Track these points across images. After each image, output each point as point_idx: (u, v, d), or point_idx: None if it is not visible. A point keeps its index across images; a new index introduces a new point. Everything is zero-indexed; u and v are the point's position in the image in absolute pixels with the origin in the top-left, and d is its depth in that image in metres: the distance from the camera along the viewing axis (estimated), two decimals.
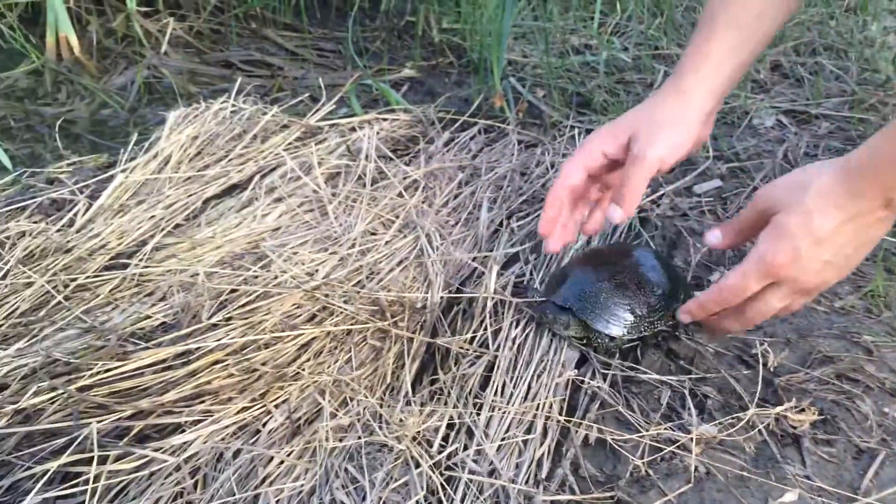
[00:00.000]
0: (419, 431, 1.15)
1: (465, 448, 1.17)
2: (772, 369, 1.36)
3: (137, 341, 1.32)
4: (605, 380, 1.33)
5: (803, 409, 1.31)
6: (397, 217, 1.64)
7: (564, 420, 1.23)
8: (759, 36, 1.26)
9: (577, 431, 1.23)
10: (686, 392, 1.32)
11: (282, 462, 1.10)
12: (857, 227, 1.08)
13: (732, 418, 1.26)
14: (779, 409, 1.27)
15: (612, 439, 1.21)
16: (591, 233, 1.41)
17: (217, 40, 2.73)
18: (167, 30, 2.64)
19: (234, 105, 1.96)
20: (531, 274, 1.54)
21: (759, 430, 1.24)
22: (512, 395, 1.26)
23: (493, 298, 1.43)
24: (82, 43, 2.53)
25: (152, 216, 1.65)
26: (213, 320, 1.36)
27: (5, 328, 1.37)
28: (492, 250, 1.63)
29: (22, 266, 1.48)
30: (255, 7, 2.78)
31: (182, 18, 2.75)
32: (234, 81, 2.34)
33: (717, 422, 1.27)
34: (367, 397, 1.22)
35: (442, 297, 1.46)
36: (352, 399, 1.22)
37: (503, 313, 1.42)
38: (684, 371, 1.38)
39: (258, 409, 1.19)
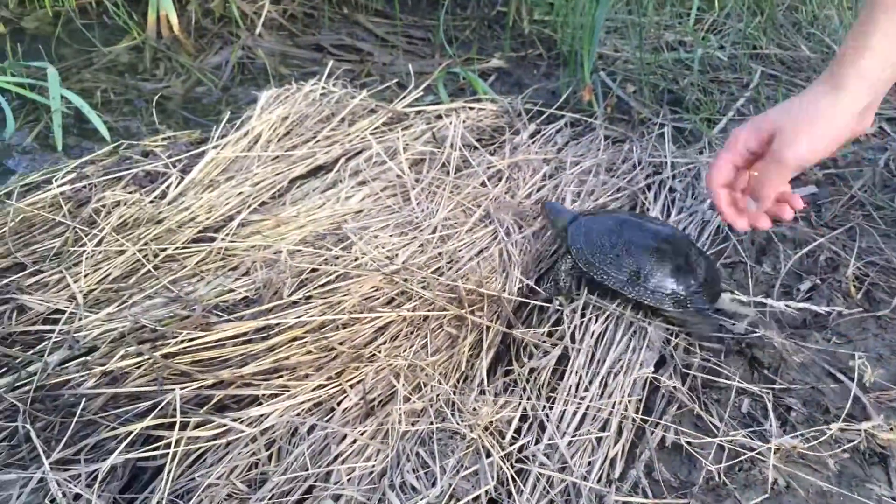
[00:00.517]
0: (492, 421, 1.14)
1: (537, 441, 1.15)
2: (867, 385, 1.31)
3: (220, 313, 1.36)
4: (683, 382, 1.30)
5: (892, 429, 1.25)
6: (479, 206, 1.63)
7: (640, 419, 1.20)
8: None
9: (652, 433, 1.20)
10: (768, 401, 1.28)
11: (354, 441, 1.11)
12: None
13: (816, 431, 1.21)
14: (867, 425, 1.22)
15: (688, 442, 1.17)
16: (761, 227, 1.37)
17: (309, 24, 2.76)
18: (262, 12, 2.69)
19: (323, 88, 1.98)
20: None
21: (845, 447, 1.19)
22: (587, 390, 1.24)
23: (565, 300, 1.41)
24: (181, 22, 2.60)
25: (240, 193, 1.68)
26: (294, 297, 1.39)
27: (97, 293, 1.42)
28: None
29: (115, 234, 1.53)
30: None
31: (277, 1, 2.79)
32: (325, 65, 2.37)
33: (799, 434, 1.22)
34: (441, 383, 1.22)
35: (519, 288, 1.44)
36: (426, 384, 1.23)
37: (579, 307, 1.40)
38: (768, 380, 1.34)
39: (334, 387, 1.20)
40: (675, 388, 1.27)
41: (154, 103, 2.16)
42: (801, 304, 1.48)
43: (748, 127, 1.20)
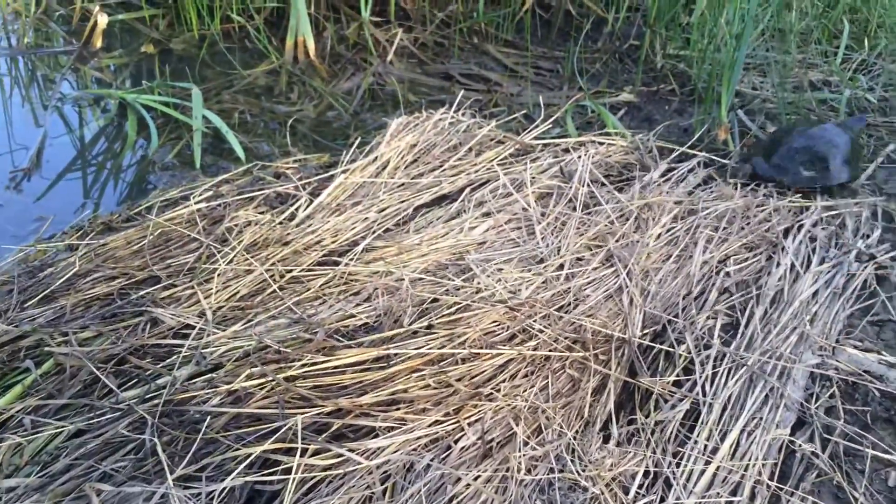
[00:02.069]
0: (615, 475, 1.08)
1: (662, 500, 1.09)
2: None
3: (341, 339, 1.36)
4: (824, 448, 1.20)
5: None
6: (605, 246, 1.58)
7: (776, 486, 1.11)
8: None
9: (788, 501, 1.11)
10: None
11: (470, 484, 1.08)
12: None
13: None
14: None
15: None
16: None
17: (439, 52, 2.79)
18: (395, 40, 2.74)
19: (452, 117, 1.99)
20: (745, 324, 1.43)
21: None
22: (717, 449, 1.17)
23: (700, 342, 1.34)
24: (317, 48, 2.68)
25: (366, 218, 1.70)
26: (414, 327, 1.37)
27: (225, 310, 1.46)
28: (703, 293, 1.53)
29: (245, 253, 1.57)
30: (480, 22, 2.82)
31: (409, 30, 2.84)
32: (453, 93, 2.39)
33: None
34: (562, 428, 1.18)
35: (644, 334, 1.38)
36: (546, 428, 1.18)
37: (710, 358, 1.33)
38: None
39: (451, 424, 1.18)
40: (814, 453, 1.18)
41: (287, 126, 2.22)
42: None
43: None
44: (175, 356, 1.31)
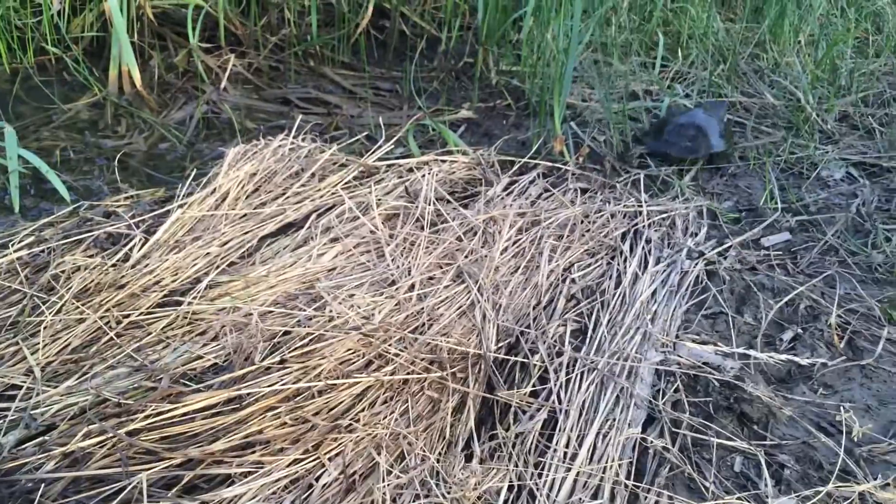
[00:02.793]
0: (480, 493, 1.08)
1: None
2: (856, 439, 1.28)
3: (188, 382, 1.29)
4: (673, 441, 1.26)
5: (889, 484, 1.22)
6: (455, 263, 1.59)
7: (633, 485, 1.15)
8: None
9: (645, 498, 1.15)
10: (761, 459, 1.24)
11: None
12: None
13: (812, 492, 1.17)
14: (863, 486, 1.18)
15: None
16: None
17: (275, 77, 2.74)
18: (227, 66, 2.66)
19: (292, 143, 1.94)
20: (593, 328, 1.48)
21: None
22: (576, 455, 1.19)
23: (553, 350, 1.37)
24: (143, 77, 2.55)
25: (207, 253, 1.62)
26: (266, 363, 1.32)
27: (56, 364, 1.35)
28: (551, 302, 1.57)
29: (76, 301, 1.46)
30: (315, 45, 2.79)
31: (242, 55, 2.77)
32: (291, 118, 2.35)
33: (795, 495, 1.18)
34: (424, 451, 1.17)
35: (499, 348, 1.40)
36: (409, 453, 1.17)
37: (563, 365, 1.36)
38: (758, 436, 1.30)
39: (311, 461, 1.14)
40: (665, 448, 1.23)
41: (116, 161, 2.10)
42: (785, 356, 1.46)
43: None
44: (1, 421, 1.19)
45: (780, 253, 1.80)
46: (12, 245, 1.61)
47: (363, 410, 1.24)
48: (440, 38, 2.94)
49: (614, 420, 1.26)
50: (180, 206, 1.77)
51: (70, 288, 1.49)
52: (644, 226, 1.82)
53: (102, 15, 2.56)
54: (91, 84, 2.53)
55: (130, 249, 1.63)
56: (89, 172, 2.12)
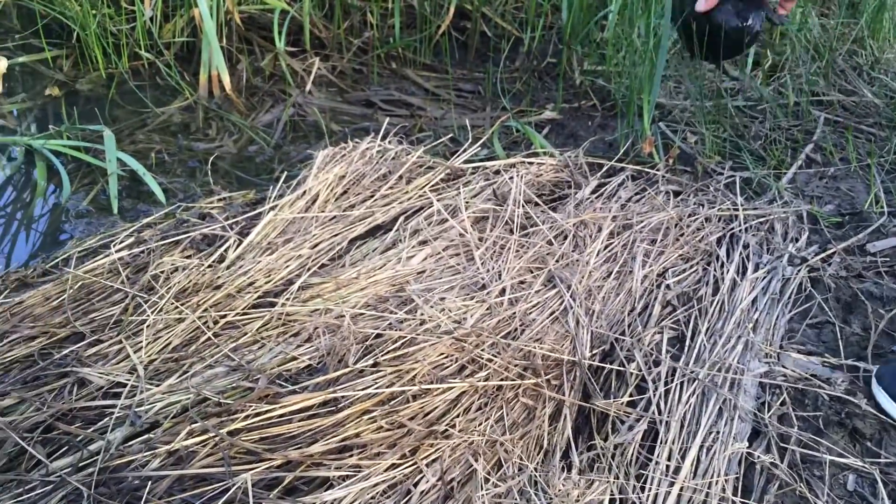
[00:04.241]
0: None
1: None
2: None
3: (284, 383, 1.30)
4: (782, 458, 1.20)
5: None
6: (546, 267, 1.57)
7: (741, 502, 1.11)
8: None
9: None
10: (877, 477, 1.18)
11: None
12: None
13: None
14: None
15: None
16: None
17: (358, 80, 2.76)
18: (312, 69, 2.69)
19: (379, 145, 1.95)
20: (691, 337, 1.44)
21: None
22: (679, 468, 1.15)
23: (649, 358, 1.33)
24: (232, 81, 2.60)
25: (299, 255, 1.64)
26: (360, 365, 1.33)
27: (158, 363, 1.38)
28: (646, 308, 1.53)
29: (175, 301, 1.49)
30: (397, 48, 2.80)
31: (326, 58, 2.80)
32: (375, 120, 2.36)
33: None
34: (522, 460, 1.15)
35: (593, 355, 1.37)
36: (505, 461, 1.15)
37: (661, 374, 1.32)
38: (872, 453, 1.24)
39: (408, 466, 1.13)
40: (773, 464, 1.18)
41: (209, 164, 2.14)
42: None
43: None
44: (107, 418, 1.23)
45: (888, 259, 1.71)
46: (114, 246, 1.65)
47: (458, 416, 1.23)
48: (522, 39, 2.91)
49: (718, 433, 1.21)
50: (271, 208, 1.79)
51: (169, 288, 1.53)
52: (741, 230, 1.75)
53: (192, 21, 2.62)
54: (182, 88, 2.59)
55: (225, 251, 1.66)
56: (183, 175, 2.17)
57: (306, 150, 2.31)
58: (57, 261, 1.67)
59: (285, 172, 1.95)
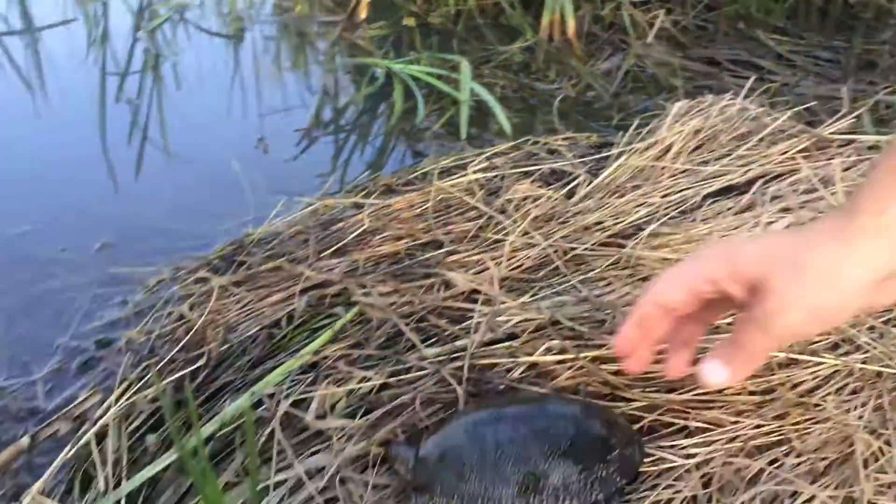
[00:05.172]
0: None
1: None
2: None
3: None
4: None
5: None
6: None
7: None
8: None
9: None
10: None
11: (811, 499, 0.97)
12: None
13: None
14: None
15: None
16: (673, 377, 1.01)
17: (701, 37, 2.65)
18: (656, 21, 2.62)
19: (740, 104, 1.85)
20: None
21: None
22: None
23: None
24: (573, 26, 2.61)
25: (648, 203, 1.61)
26: (716, 321, 1.28)
27: (510, 281, 1.42)
28: None
29: (527, 227, 1.53)
30: (748, 7, 2.64)
31: (669, 12, 2.71)
32: (719, 80, 2.25)
33: None
34: None
35: None
36: (884, 454, 1.05)
37: None
38: None
39: (775, 434, 1.07)
40: None
41: (554, 104, 2.17)
42: None
43: (723, 254, 0.84)
44: (468, 321, 1.29)
45: None
46: (471, 167, 1.73)
47: (829, 395, 1.14)
48: (891, 10, 2.62)
49: None
50: (620, 153, 1.77)
51: (522, 213, 1.57)
52: None
53: None
54: (524, 29, 2.65)
55: (575, 188, 1.67)
56: (524, 111, 2.22)
57: (645, 101, 2.27)
58: (417, 173, 1.79)
59: (636, 120, 1.91)
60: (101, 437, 1.21)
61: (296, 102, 2.28)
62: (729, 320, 1.22)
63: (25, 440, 1.22)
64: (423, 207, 1.62)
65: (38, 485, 1.16)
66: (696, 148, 1.77)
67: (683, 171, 1.71)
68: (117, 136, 2.13)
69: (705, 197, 1.64)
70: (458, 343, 1.25)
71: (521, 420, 0.98)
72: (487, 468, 0.94)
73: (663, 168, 1.71)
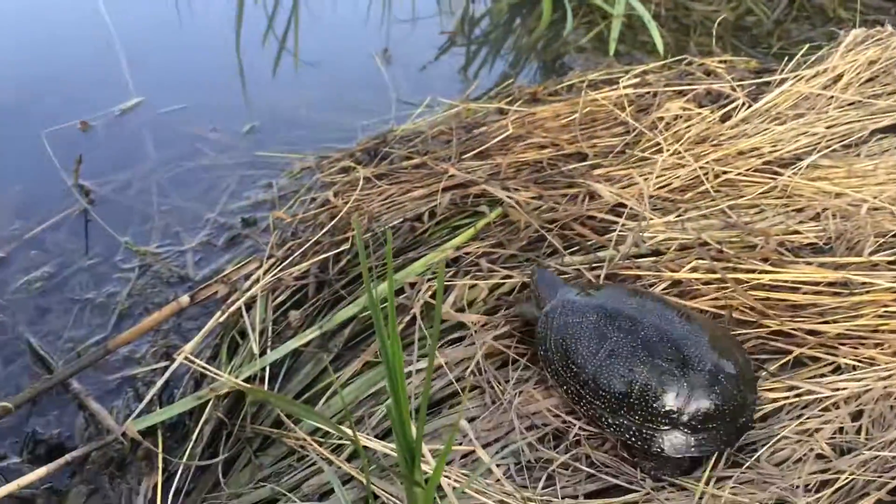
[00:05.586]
0: None
1: None
2: None
3: (785, 253, 1.23)
4: None
5: None
6: None
7: None
8: None
9: None
10: None
11: None
12: None
13: None
14: None
15: None
16: None
17: None
18: None
19: None
20: None
21: None
22: None
23: None
24: None
25: (810, 132, 1.52)
26: (875, 258, 1.21)
27: (656, 199, 1.38)
28: None
29: (679, 146, 1.47)
30: None
31: None
32: (892, 14, 2.08)
33: None
34: None
35: None
36: None
37: None
38: None
39: None
40: None
41: (714, 26, 2.05)
42: None
43: None
44: (612, 233, 1.27)
45: None
46: (622, 82, 1.67)
47: None
48: None
49: None
50: (783, 79, 1.67)
51: (673, 132, 1.51)
52: None
53: None
54: None
55: (732, 111, 1.59)
56: (677, 31, 2.12)
57: (809, 31, 2.12)
58: (563, 85, 1.75)
59: (797, 49, 1.79)
60: (248, 308, 1.27)
61: (443, 7, 2.25)
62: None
63: (185, 298, 1.29)
64: (570, 118, 1.59)
65: (190, 345, 1.23)
66: (869, 80, 1.65)
67: (852, 103, 1.59)
68: (254, 36, 2.16)
69: (873, 132, 1.53)
70: (601, 254, 1.23)
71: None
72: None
73: (831, 98, 1.60)
